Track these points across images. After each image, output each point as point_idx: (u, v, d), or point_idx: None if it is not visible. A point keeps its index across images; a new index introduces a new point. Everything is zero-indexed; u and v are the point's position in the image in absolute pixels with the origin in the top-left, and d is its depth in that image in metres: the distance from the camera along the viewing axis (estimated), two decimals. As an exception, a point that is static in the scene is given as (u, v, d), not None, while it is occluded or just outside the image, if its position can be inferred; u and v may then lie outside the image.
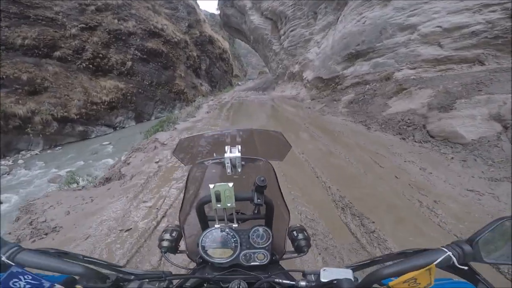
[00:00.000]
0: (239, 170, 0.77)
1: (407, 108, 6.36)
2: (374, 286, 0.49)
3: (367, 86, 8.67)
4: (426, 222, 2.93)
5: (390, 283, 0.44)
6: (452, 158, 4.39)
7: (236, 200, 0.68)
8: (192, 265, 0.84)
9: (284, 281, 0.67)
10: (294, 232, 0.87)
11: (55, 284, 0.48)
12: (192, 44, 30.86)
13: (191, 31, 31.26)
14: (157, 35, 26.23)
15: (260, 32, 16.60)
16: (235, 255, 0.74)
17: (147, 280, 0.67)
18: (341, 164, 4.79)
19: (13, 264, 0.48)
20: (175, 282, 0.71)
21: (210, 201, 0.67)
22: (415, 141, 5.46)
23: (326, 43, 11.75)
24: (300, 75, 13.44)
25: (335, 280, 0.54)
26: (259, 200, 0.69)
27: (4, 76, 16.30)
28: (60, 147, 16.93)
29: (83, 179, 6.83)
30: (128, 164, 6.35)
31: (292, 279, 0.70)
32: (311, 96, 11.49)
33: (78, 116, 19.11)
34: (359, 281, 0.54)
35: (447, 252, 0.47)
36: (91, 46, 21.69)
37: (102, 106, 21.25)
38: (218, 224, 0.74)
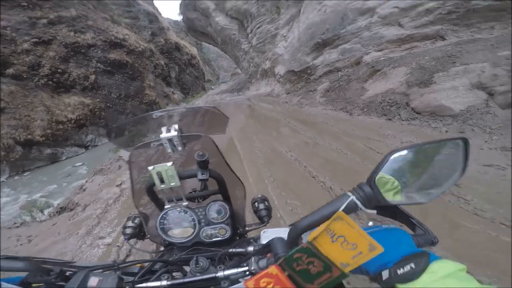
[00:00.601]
0: (180, 148, 0.72)
1: (385, 89, 6.07)
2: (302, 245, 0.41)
3: (340, 73, 8.38)
4: (459, 212, 2.42)
5: (308, 237, 0.39)
6: (447, 131, 4.08)
7: (181, 178, 0.66)
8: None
9: (237, 250, 0.66)
10: (256, 203, 0.86)
11: (12, 285, 0.49)
12: (158, 53, 29.41)
13: (156, 39, 29.77)
14: (119, 46, 24.58)
15: (227, 33, 15.92)
16: (194, 233, 0.74)
17: (95, 270, 0.58)
18: (335, 157, 4.30)
19: None
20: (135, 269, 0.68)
21: (154, 184, 0.65)
22: (402, 120, 5.16)
23: (292, 36, 11.37)
24: (272, 71, 12.97)
25: (270, 241, 0.53)
26: (203, 175, 0.68)
27: None
28: (28, 173, 15.57)
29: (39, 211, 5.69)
30: (84, 190, 5.37)
31: (249, 246, 0.67)
32: (286, 90, 11.05)
33: (43, 138, 17.47)
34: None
35: (350, 196, 0.44)
36: (48, 61, 19.93)
37: (69, 124, 19.57)
38: (168, 205, 0.72)
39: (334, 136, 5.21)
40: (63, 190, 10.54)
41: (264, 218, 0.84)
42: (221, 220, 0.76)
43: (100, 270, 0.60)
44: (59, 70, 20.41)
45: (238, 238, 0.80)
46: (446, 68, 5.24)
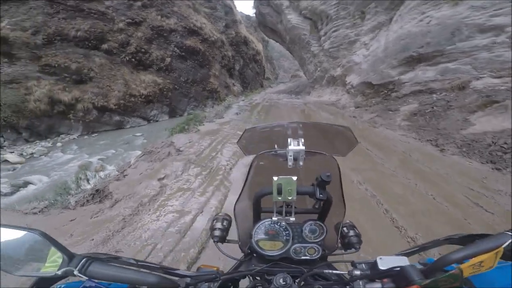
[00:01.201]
0: (301, 163, 0.69)
1: (501, 128, 4.64)
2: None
3: (434, 95, 6.93)
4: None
5: (462, 265, 0.40)
6: None
7: (298, 194, 0.62)
8: (240, 255, 0.78)
9: (333, 271, 0.63)
10: (345, 229, 0.81)
11: None
12: (227, 44, 30.04)
13: (228, 31, 30.43)
14: (195, 33, 25.70)
15: (297, 32, 15.09)
16: (285, 248, 0.71)
17: (199, 283, 0.59)
18: (427, 206, 3.33)
19: (85, 278, 0.44)
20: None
21: (271, 193, 0.62)
22: None
23: (376, 44, 10.03)
24: (343, 79, 11.77)
25: (397, 267, 0.50)
26: (321, 196, 0.64)
27: (56, 65, 16.69)
28: (96, 134, 17.15)
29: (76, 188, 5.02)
30: (124, 176, 4.81)
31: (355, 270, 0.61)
32: (356, 104, 9.84)
33: (116, 107, 19.19)
34: (423, 267, 0.48)
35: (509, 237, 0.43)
36: (135, 41, 21.73)
37: (139, 99, 21.18)
38: (275, 217, 0.68)
39: (422, 176, 4.12)
40: (118, 156, 11.17)
41: (355, 245, 0.77)
42: (315, 240, 0.72)
43: (203, 283, 0.59)
44: (142, 50, 21.80)
45: (323, 260, 0.75)
46: None
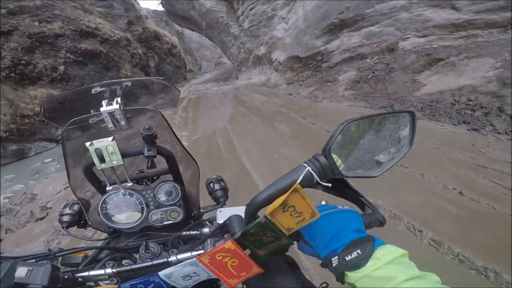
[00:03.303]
0: (123, 123, 0.58)
1: (457, 85, 3.93)
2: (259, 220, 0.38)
3: (367, 60, 6.09)
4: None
5: (266, 212, 0.37)
6: None
7: (124, 156, 0.54)
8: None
9: (190, 232, 0.58)
10: (211, 184, 0.74)
11: None
12: (135, 42, 25.26)
13: (132, 28, 25.46)
14: (91, 35, 20.57)
15: (214, 16, 12.90)
16: (143, 217, 0.62)
17: (28, 259, 0.49)
18: (452, 202, 2.13)
19: None
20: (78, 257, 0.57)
21: (93, 163, 0.53)
22: (499, 133, 3.14)
23: (295, 17, 8.84)
24: (268, 57, 10.39)
25: (227, 220, 0.48)
26: (150, 152, 0.55)
27: None
28: None
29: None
30: None
31: (204, 228, 0.59)
32: (287, 80, 8.61)
33: (7, 134, 14.38)
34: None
35: (306, 167, 0.39)
36: (9, 53, 16.45)
37: (36, 118, 16.00)
38: (110, 187, 0.59)
39: (412, 157, 2.95)
40: (30, 190, 8.27)
41: (220, 198, 0.71)
42: (172, 202, 0.63)
43: (32, 260, 0.49)
44: (22, 62, 16.81)
45: (192, 221, 0.68)
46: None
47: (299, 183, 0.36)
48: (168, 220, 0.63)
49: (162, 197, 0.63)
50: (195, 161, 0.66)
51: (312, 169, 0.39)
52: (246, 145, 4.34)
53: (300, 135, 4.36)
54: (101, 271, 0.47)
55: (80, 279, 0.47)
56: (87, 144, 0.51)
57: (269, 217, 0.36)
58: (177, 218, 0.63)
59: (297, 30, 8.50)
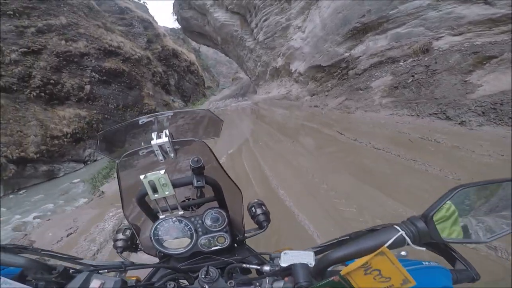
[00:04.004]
0: (172, 155, 0.62)
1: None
2: (331, 269, 0.38)
3: (401, 63, 5.51)
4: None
5: (342, 272, 0.34)
6: None
7: (175, 186, 0.58)
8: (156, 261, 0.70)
9: (251, 266, 0.58)
10: (253, 208, 0.75)
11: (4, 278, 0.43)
12: (155, 60, 26.18)
13: (152, 46, 26.50)
14: (114, 54, 21.44)
15: (228, 30, 12.93)
16: (192, 243, 0.65)
17: (101, 270, 0.53)
18: None
19: None
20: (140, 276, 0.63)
21: (146, 193, 0.57)
22: None
23: (312, 25, 8.49)
24: (287, 69, 10.04)
25: (292, 264, 0.46)
26: (199, 182, 0.58)
27: None
28: (24, 191, 13.26)
29: None
30: None
31: (261, 261, 0.61)
32: (310, 91, 8.15)
33: (38, 155, 14.49)
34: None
35: (399, 231, 0.37)
36: (39, 72, 16.96)
37: (65, 139, 16.57)
38: (162, 215, 0.63)
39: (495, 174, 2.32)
40: (60, 208, 8.80)
41: (263, 223, 0.72)
42: (219, 228, 0.66)
43: (105, 271, 0.53)
44: (51, 81, 17.50)
45: (236, 245, 0.71)
46: None
47: (388, 246, 0.34)
48: (216, 245, 0.65)
49: (209, 223, 0.65)
50: (238, 188, 0.68)
51: (405, 234, 0.36)
52: (279, 173, 3.63)
53: (344, 157, 3.56)
54: None
55: None
56: (141, 177, 0.53)
57: (346, 278, 0.33)
58: (224, 244, 0.65)
59: (315, 38, 8.12)
